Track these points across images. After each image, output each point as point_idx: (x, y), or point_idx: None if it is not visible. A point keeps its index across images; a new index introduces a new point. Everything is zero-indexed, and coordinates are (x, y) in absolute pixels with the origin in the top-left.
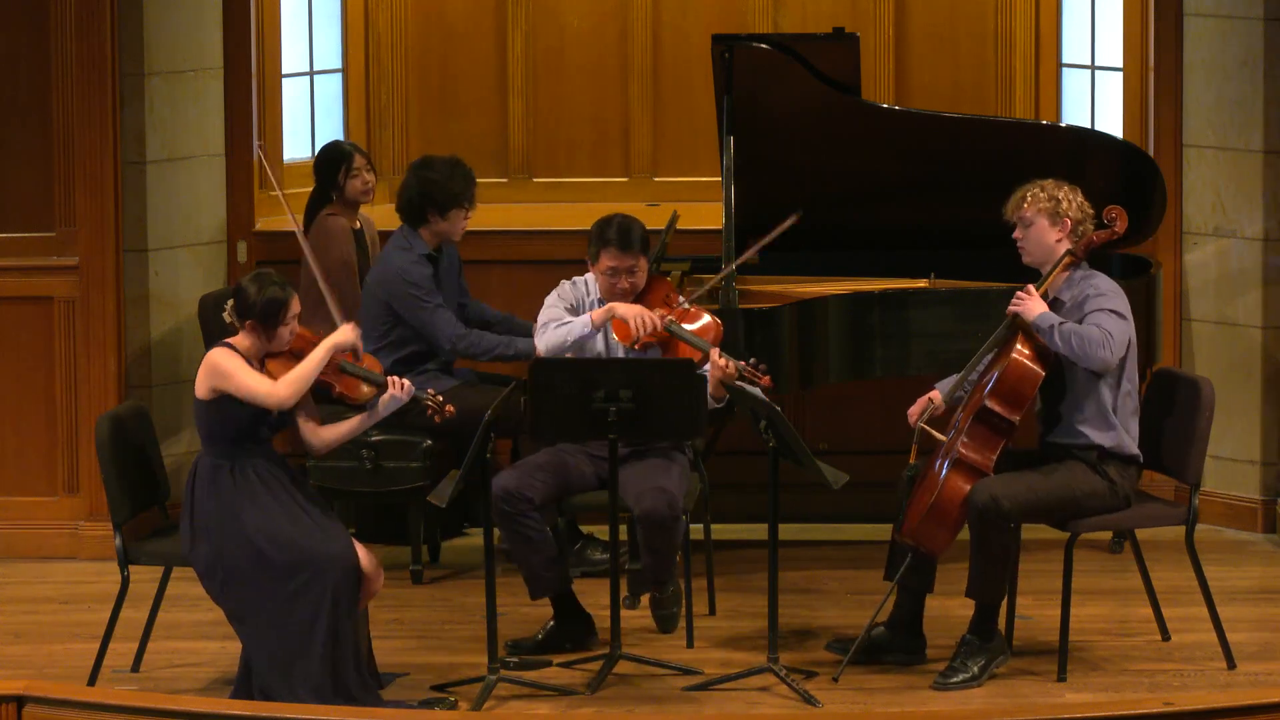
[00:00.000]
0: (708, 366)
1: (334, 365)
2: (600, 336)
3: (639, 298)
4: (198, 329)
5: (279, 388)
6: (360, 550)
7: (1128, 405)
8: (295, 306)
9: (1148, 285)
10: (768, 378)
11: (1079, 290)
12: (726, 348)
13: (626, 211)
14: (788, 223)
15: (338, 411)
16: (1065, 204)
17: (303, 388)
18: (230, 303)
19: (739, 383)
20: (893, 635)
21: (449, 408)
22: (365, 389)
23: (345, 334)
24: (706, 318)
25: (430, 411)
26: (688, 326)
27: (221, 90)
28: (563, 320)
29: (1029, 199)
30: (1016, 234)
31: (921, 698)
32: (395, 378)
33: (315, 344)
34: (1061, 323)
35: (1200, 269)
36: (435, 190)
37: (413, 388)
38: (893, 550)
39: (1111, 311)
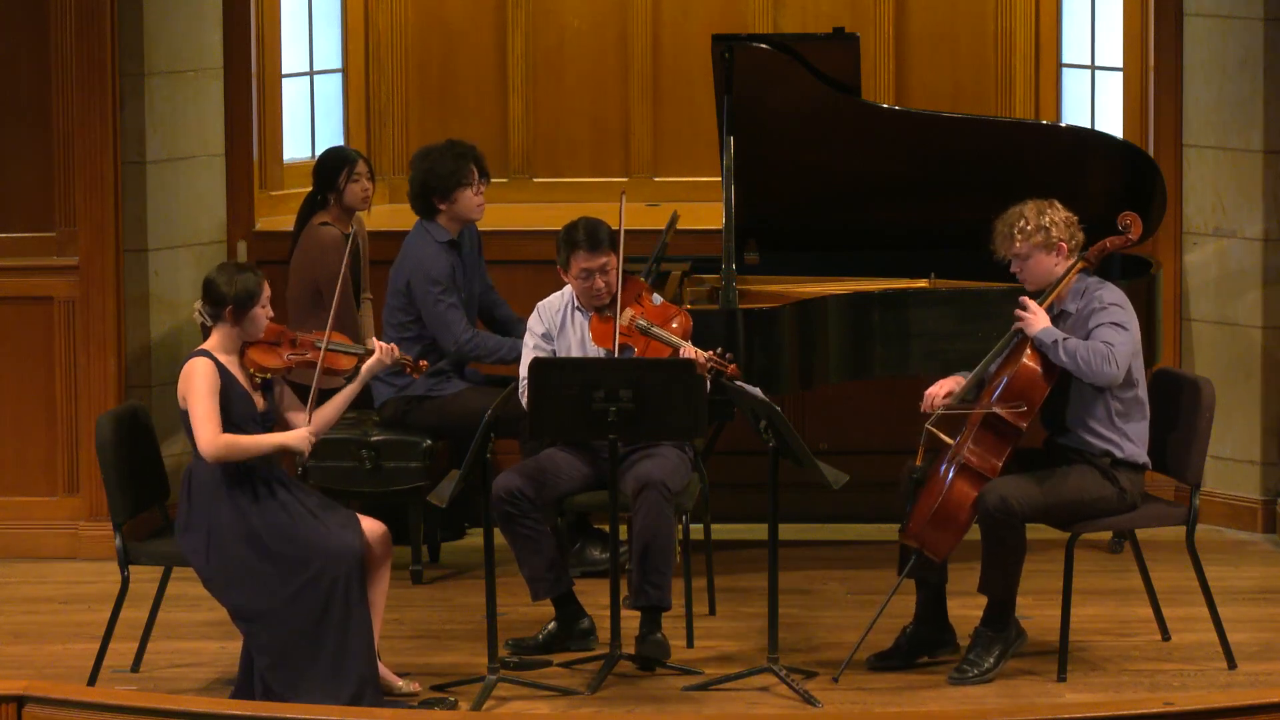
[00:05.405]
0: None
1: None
2: (581, 341)
3: (614, 297)
4: (197, 329)
5: (212, 445)
6: (367, 526)
7: (1137, 412)
8: (267, 290)
9: (1148, 285)
10: (734, 366)
11: (1085, 302)
12: (729, 346)
13: (627, 212)
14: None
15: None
16: (1054, 230)
17: (234, 459)
18: (198, 303)
19: (738, 383)
20: (924, 631)
21: (423, 363)
22: (346, 361)
23: (296, 437)
24: (676, 314)
25: (408, 370)
26: (658, 326)
27: (221, 90)
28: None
29: (1019, 236)
30: (1014, 268)
31: (921, 698)
32: (377, 342)
33: (285, 334)
34: (1065, 339)
35: (1200, 269)
36: (431, 179)
37: (394, 348)
38: (903, 548)
39: (1114, 324)
